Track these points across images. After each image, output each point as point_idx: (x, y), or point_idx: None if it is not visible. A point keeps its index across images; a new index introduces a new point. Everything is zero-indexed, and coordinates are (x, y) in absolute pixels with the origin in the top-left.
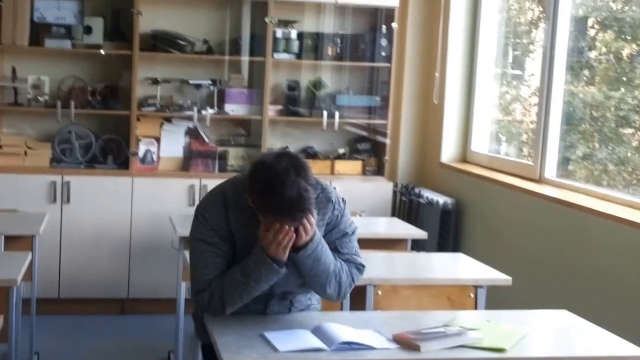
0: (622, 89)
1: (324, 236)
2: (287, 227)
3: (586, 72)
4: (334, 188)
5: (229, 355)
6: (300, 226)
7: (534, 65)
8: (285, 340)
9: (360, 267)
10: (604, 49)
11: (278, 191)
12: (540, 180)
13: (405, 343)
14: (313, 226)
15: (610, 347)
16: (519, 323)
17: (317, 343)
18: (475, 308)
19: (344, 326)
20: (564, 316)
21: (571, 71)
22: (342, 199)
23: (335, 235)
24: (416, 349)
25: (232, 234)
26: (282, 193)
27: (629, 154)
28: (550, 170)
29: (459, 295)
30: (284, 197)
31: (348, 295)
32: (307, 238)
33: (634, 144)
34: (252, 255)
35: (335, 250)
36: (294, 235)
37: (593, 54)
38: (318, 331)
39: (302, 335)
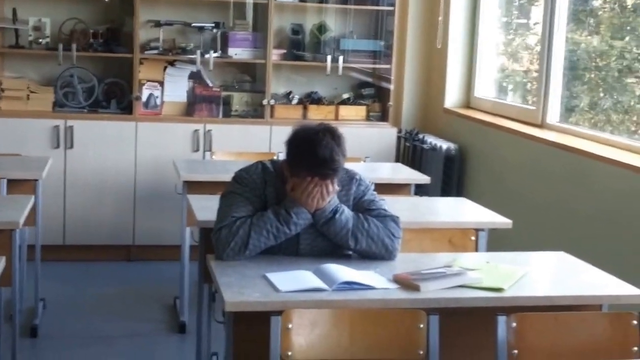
0: (627, 38)
1: (353, 210)
2: (316, 179)
3: (590, 20)
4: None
5: (230, 294)
6: (319, 193)
7: (539, 13)
8: (287, 280)
9: (395, 218)
10: None
11: (313, 149)
12: (542, 125)
13: (405, 283)
14: (332, 194)
15: (607, 287)
16: (518, 264)
17: (318, 283)
18: (476, 251)
19: (345, 267)
20: (562, 258)
21: (575, 20)
22: (370, 182)
23: (363, 205)
24: (416, 288)
25: (266, 206)
26: (316, 151)
27: (632, 103)
28: (553, 115)
29: (460, 238)
30: (318, 155)
31: (397, 247)
32: (324, 203)
33: (638, 93)
34: (283, 202)
35: (365, 212)
36: (321, 188)
37: (597, 3)
38: (319, 272)
39: (303, 275)
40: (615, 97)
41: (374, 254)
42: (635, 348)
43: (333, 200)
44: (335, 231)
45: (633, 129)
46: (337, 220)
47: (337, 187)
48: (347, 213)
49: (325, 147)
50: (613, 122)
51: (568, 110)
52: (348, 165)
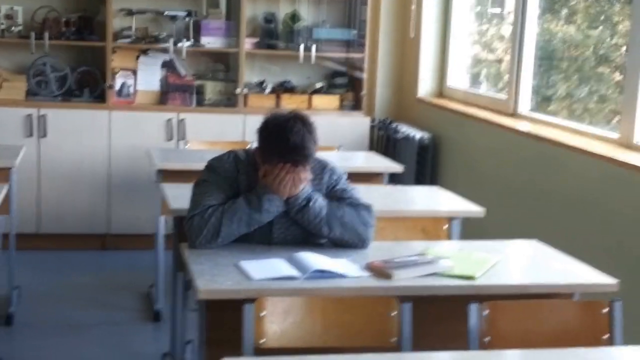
0: (600, 27)
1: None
2: (288, 165)
3: (566, 10)
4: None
5: (203, 282)
6: (291, 180)
7: (512, 2)
8: (259, 268)
9: (367, 206)
10: None
11: (284, 136)
12: (514, 114)
13: (378, 271)
14: (304, 181)
15: (578, 276)
16: (491, 252)
17: (291, 271)
18: (449, 239)
19: (318, 255)
20: (534, 246)
21: (551, 10)
22: (342, 171)
23: (336, 194)
24: (388, 276)
25: (238, 194)
26: (287, 138)
27: (609, 92)
28: (524, 105)
29: (433, 227)
30: (289, 141)
31: (370, 236)
32: (296, 191)
33: (614, 82)
34: (255, 189)
35: (338, 201)
36: (293, 175)
37: None
38: (292, 260)
39: (276, 263)
40: (591, 86)
41: (347, 242)
42: (606, 336)
43: (306, 188)
44: (309, 219)
45: (611, 116)
46: (310, 208)
47: (309, 175)
48: (320, 201)
49: (296, 133)
50: (590, 110)
51: (545, 100)
52: (321, 155)
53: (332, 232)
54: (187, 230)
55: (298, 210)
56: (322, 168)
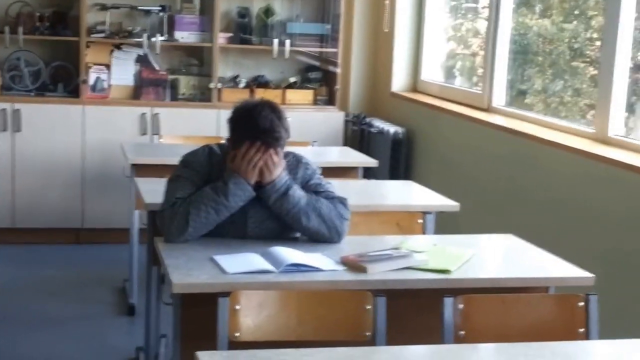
0: (574, 22)
1: None
2: (257, 144)
3: (540, 5)
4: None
5: (178, 276)
6: (265, 165)
7: None
8: (234, 262)
9: (342, 200)
10: None
11: (252, 120)
12: (488, 109)
13: (352, 265)
14: (278, 165)
15: (553, 269)
16: (466, 247)
17: (265, 265)
18: (424, 233)
19: (293, 250)
20: (510, 240)
21: (526, 3)
22: (316, 166)
23: (311, 188)
24: (363, 270)
25: None
26: (256, 121)
27: (584, 86)
28: (499, 99)
29: (407, 221)
30: (258, 125)
31: (345, 229)
32: (272, 176)
33: (588, 76)
34: (224, 176)
35: (313, 194)
36: (265, 157)
37: None
38: (267, 254)
39: (250, 258)
40: (565, 80)
41: (323, 235)
42: (582, 329)
43: (284, 176)
44: (287, 208)
45: (586, 108)
46: (289, 196)
47: (283, 162)
48: (299, 191)
49: (264, 117)
50: (566, 103)
51: (520, 94)
52: (295, 150)
53: (310, 223)
54: (159, 225)
55: (277, 199)
56: (297, 162)
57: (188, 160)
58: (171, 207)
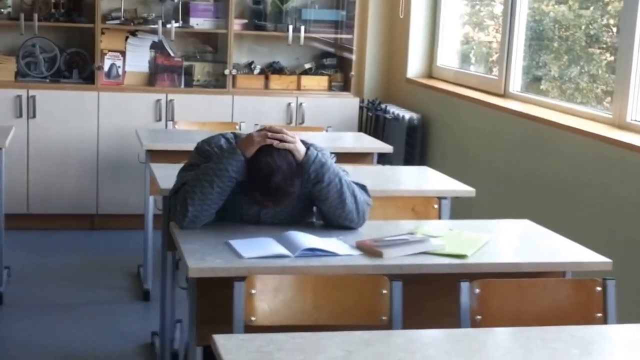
0: (592, 8)
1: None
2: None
3: None
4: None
5: (193, 261)
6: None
7: None
8: (250, 247)
9: (364, 186)
10: None
11: (268, 184)
12: (504, 94)
13: (368, 250)
14: (294, 139)
15: (570, 254)
16: (482, 232)
17: (281, 250)
18: (439, 219)
19: (308, 234)
20: (525, 225)
21: None
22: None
23: None
24: (378, 255)
25: None
26: (270, 187)
27: (599, 72)
28: (515, 84)
29: (423, 206)
30: (270, 188)
31: (367, 216)
32: (301, 152)
33: (604, 62)
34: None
35: None
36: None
37: None
38: (282, 239)
39: (266, 242)
40: (581, 66)
41: (352, 218)
42: (599, 314)
43: (312, 150)
44: (330, 178)
45: (602, 95)
46: (329, 165)
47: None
48: (332, 163)
49: (278, 185)
50: (582, 90)
51: (536, 80)
52: (309, 135)
53: (347, 200)
54: (169, 213)
55: (316, 170)
56: (305, 145)
57: (203, 148)
58: (174, 194)
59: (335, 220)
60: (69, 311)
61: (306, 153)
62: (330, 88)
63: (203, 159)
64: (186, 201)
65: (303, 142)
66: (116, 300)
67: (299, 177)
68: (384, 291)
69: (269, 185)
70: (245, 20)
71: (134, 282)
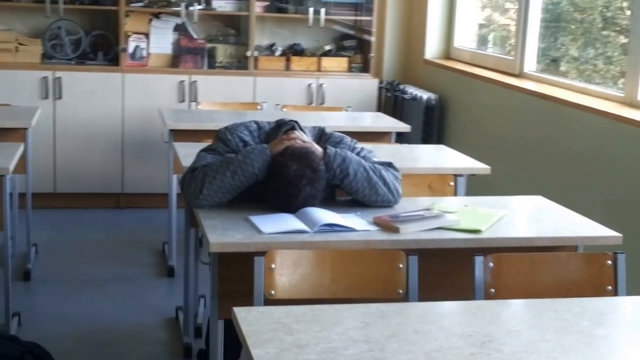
0: None
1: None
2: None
3: None
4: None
5: (215, 236)
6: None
7: None
8: (269, 222)
9: (390, 163)
10: None
11: (289, 198)
12: (520, 75)
13: (385, 225)
14: (304, 138)
15: (581, 229)
16: (496, 208)
17: (300, 225)
18: (455, 195)
19: (327, 210)
20: (539, 201)
21: None
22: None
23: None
24: (395, 230)
25: None
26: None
27: (615, 54)
28: (530, 65)
29: (439, 184)
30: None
31: (401, 191)
32: (318, 150)
33: (619, 44)
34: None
35: None
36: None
37: None
38: (301, 215)
39: (285, 218)
40: (597, 48)
41: (387, 199)
42: (609, 287)
43: (331, 147)
44: (354, 169)
45: (618, 75)
46: (349, 158)
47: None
48: (351, 154)
49: (301, 198)
50: (599, 71)
51: (554, 61)
52: (330, 115)
53: (377, 185)
54: (180, 189)
55: (339, 164)
56: (319, 130)
57: (223, 136)
58: (192, 172)
59: (373, 204)
60: (97, 286)
61: (325, 152)
62: (350, 69)
63: (223, 146)
64: (204, 183)
65: (314, 128)
66: (142, 277)
67: (323, 178)
68: (401, 265)
69: (297, 194)
70: (267, 3)
71: (158, 259)
